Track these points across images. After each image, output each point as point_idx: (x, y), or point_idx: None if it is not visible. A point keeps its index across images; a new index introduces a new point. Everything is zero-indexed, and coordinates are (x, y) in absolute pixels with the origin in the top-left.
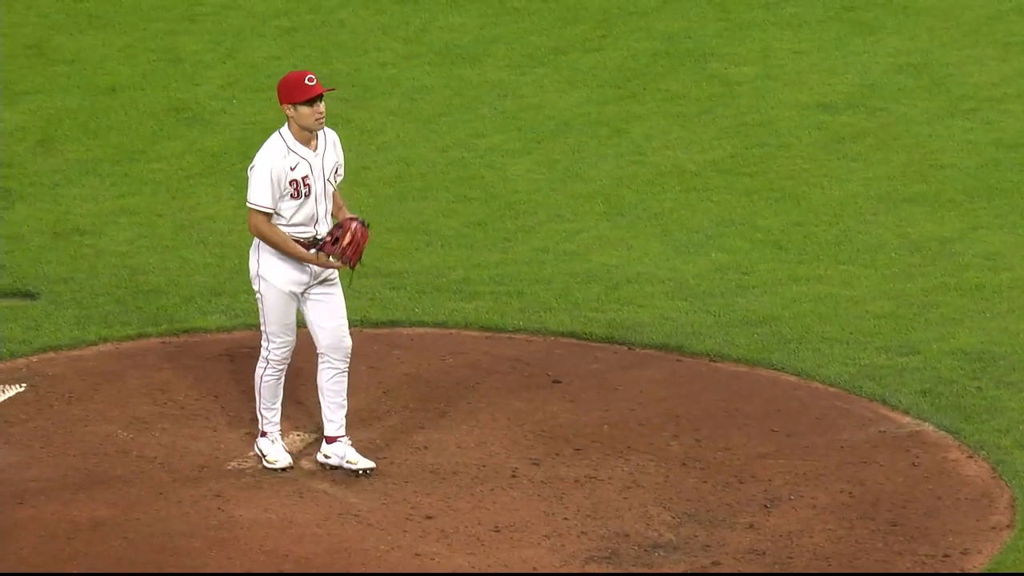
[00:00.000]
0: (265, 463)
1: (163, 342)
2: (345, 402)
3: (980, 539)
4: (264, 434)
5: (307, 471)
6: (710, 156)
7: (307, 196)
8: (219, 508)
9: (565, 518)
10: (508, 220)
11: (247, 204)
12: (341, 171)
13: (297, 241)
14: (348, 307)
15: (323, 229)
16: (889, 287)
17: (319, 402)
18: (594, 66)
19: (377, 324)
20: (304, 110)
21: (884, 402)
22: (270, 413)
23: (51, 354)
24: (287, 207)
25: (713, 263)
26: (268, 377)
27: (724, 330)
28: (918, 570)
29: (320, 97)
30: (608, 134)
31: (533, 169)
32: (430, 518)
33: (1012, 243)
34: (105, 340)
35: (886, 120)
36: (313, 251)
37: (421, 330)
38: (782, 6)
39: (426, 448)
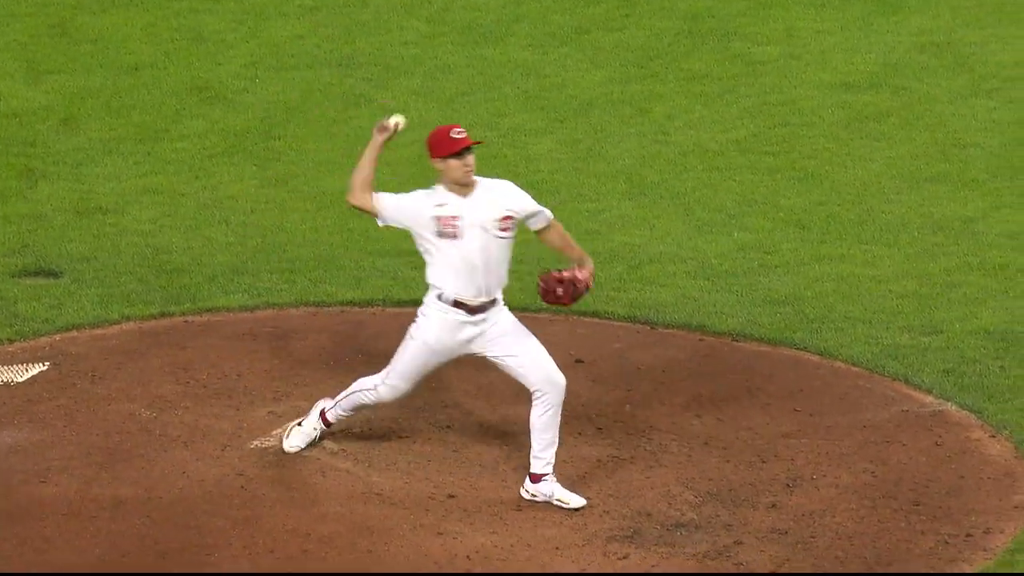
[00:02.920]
0: (289, 443)
1: (186, 321)
2: (556, 440)
3: (1003, 518)
4: (328, 424)
5: (329, 450)
6: (733, 135)
7: (454, 238)
8: (242, 487)
9: (587, 497)
10: None
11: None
12: (524, 214)
13: (461, 304)
14: (371, 287)
15: (492, 282)
16: (912, 267)
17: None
18: (617, 45)
19: (400, 303)
20: (453, 163)
21: (907, 381)
22: (343, 413)
23: (74, 333)
24: (439, 247)
25: (736, 243)
26: (365, 398)
27: (747, 309)
28: (941, 549)
29: (469, 149)
30: (631, 113)
31: (555, 148)
32: (452, 497)
33: None
34: (128, 319)
35: (909, 99)
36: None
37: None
38: None
39: (449, 427)
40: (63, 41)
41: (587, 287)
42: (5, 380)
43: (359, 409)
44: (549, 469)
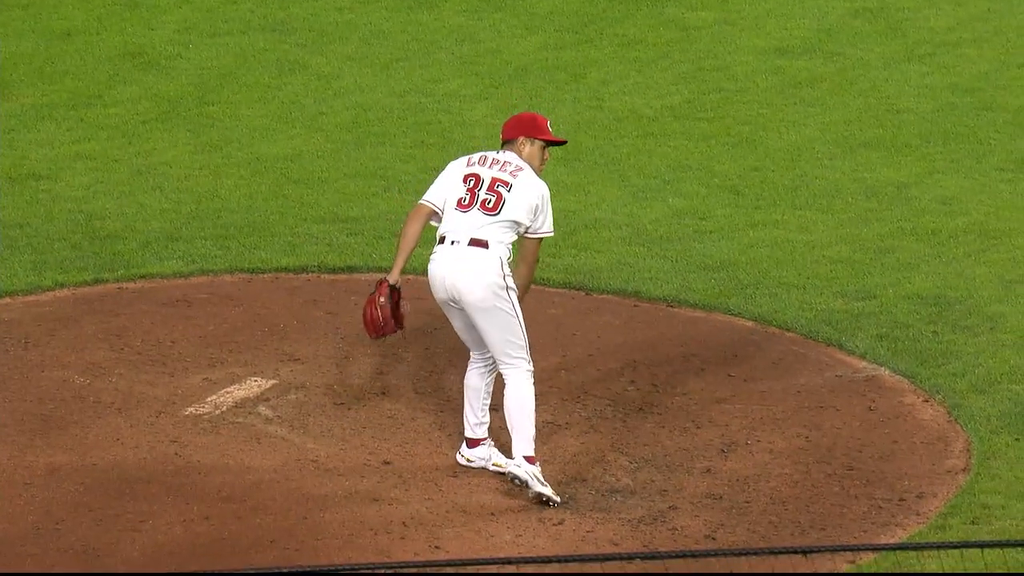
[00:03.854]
0: (540, 488)
1: (119, 288)
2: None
3: (936, 483)
4: (532, 459)
5: (264, 417)
6: (667, 102)
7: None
8: (176, 454)
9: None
10: None
11: (549, 230)
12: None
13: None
14: (305, 253)
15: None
16: (846, 232)
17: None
18: (551, 11)
19: (335, 270)
20: (546, 154)
21: (840, 347)
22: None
23: (7, 300)
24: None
25: (670, 208)
26: (532, 391)
27: (681, 275)
28: (874, 514)
29: (555, 144)
30: (565, 79)
31: (491, 114)
32: (388, 463)
33: (968, 188)
34: (61, 286)
35: (843, 65)
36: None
37: (378, 276)
38: None
39: (384, 394)
40: None
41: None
42: None
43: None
44: (486, 433)
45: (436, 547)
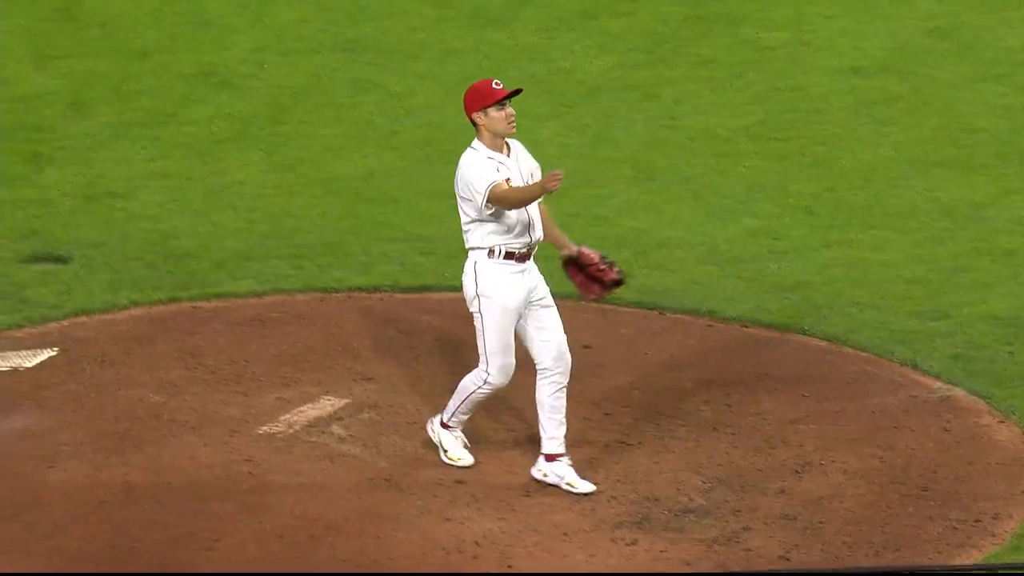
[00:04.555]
0: (444, 457)
1: (194, 307)
2: (565, 419)
3: (1012, 504)
4: (447, 426)
5: (337, 436)
6: (741, 121)
7: None
8: (250, 472)
9: (595, 483)
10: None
11: (482, 195)
12: (537, 175)
13: (512, 254)
14: (378, 272)
15: (537, 235)
16: (920, 252)
17: (537, 416)
18: (625, 30)
19: (407, 289)
20: (495, 114)
21: (915, 367)
22: (461, 416)
23: (83, 318)
24: (489, 212)
25: (744, 228)
26: (480, 395)
27: (755, 295)
28: (949, 535)
29: (508, 100)
30: (638, 99)
31: (563, 133)
32: (460, 483)
33: None
34: (136, 304)
35: (917, 84)
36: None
37: (451, 294)
38: None
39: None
40: (70, 26)
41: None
42: (14, 366)
43: (478, 405)
44: (563, 449)
45: (508, 567)
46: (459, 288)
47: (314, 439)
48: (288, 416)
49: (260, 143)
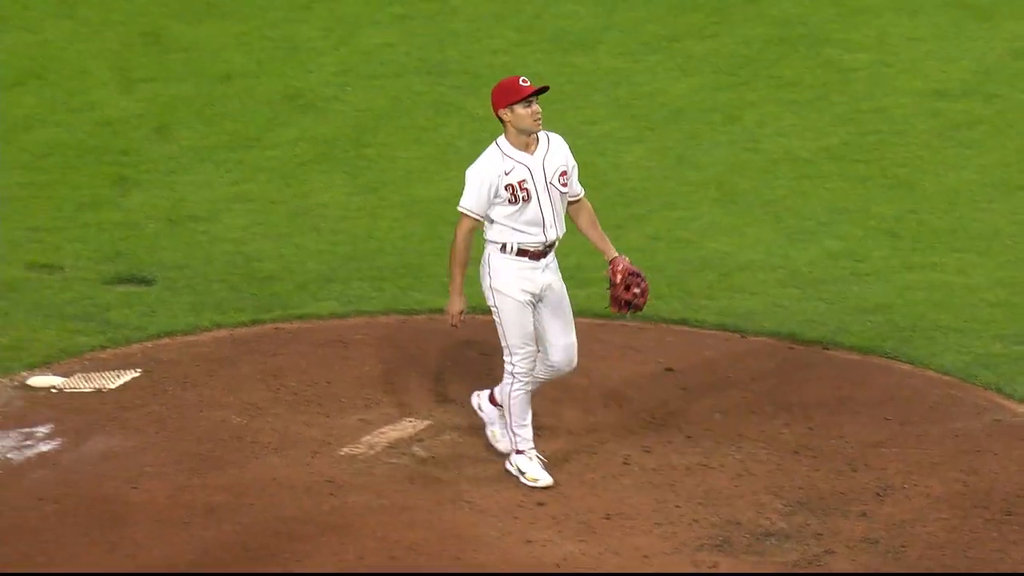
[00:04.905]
0: (524, 480)
1: (276, 328)
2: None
3: None
4: (520, 451)
5: (419, 457)
6: (824, 143)
7: (527, 201)
8: (331, 494)
9: (677, 505)
10: (620, 207)
11: (459, 207)
12: (572, 175)
13: (525, 251)
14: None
15: (553, 234)
16: (1004, 275)
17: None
18: (708, 53)
19: (489, 311)
20: (521, 111)
21: (999, 391)
22: (524, 431)
23: (166, 340)
24: (506, 212)
25: (826, 251)
26: (516, 392)
27: (837, 318)
28: None
29: (536, 97)
30: (721, 121)
31: (646, 156)
32: (541, 504)
33: None
34: (219, 326)
35: (1002, 107)
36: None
37: None
38: None
39: (538, 435)
40: (156, 50)
41: (631, 265)
42: (98, 387)
43: (525, 407)
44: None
45: None
46: None
47: (395, 460)
48: (369, 437)
49: (343, 166)
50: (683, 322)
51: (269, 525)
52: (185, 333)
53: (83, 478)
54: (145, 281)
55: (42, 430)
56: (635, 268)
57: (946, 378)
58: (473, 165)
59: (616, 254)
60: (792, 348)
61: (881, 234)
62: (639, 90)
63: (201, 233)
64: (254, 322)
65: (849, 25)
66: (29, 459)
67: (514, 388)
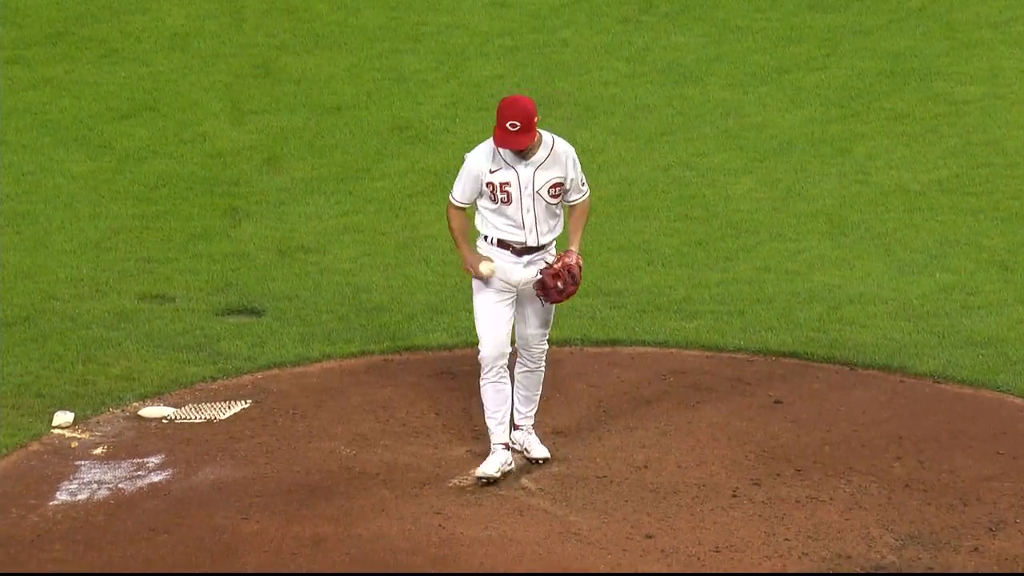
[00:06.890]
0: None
1: (385, 359)
2: (535, 397)
3: None
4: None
5: (527, 489)
6: (935, 176)
7: (506, 203)
8: (440, 525)
9: (786, 539)
10: (729, 239)
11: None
12: (571, 187)
13: (506, 243)
14: (568, 326)
15: (534, 239)
16: None
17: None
18: (818, 85)
19: (598, 343)
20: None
21: None
22: (491, 423)
23: (276, 371)
24: (490, 206)
25: (937, 283)
26: (483, 383)
27: (948, 351)
28: None
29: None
30: (831, 153)
31: (755, 188)
32: (650, 537)
33: None
34: (328, 357)
35: None
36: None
37: (641, 349)
38: (1011, 25)
39: (646, 467)
40: (267, 82)
41: (579, 267)
42: (208, 417)
43: (504, 398)
44: (528, 422)
45: None
46: (650, 343)
47: (503, 492)
48: (475, 471)
49: None
50: (792, 354)
51: (377, 556)
52: (294, 364)
53: (194, 508)
54: (255, 312)
55: (153, 460)
56: (578, 272)
57: None
58: (470, 153)
59: (574, 250)
60: (903, 381)
61: (993, 267)
62: (748, 121)
63: (311, 264)
64: (363, 353)
65: (961, 58)
66: (141, 489)
67: (481, 378)
